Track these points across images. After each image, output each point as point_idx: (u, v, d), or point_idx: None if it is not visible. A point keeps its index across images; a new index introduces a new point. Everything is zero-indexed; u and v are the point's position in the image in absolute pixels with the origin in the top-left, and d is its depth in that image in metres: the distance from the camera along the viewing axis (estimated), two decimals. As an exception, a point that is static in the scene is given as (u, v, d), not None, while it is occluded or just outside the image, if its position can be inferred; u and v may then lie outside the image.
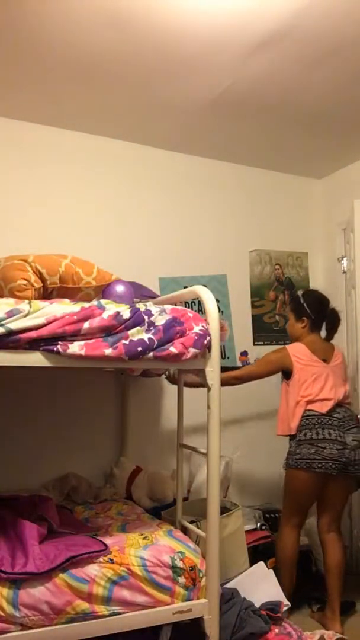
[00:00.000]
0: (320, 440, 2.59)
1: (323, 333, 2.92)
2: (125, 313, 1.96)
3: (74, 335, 1.88)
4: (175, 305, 2.30)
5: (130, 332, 1.95)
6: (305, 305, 2.84)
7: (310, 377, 2.70)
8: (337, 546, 2.70)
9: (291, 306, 2.94)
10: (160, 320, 2.02)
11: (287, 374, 2.77)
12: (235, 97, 2.77)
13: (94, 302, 1.98)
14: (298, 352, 2.76)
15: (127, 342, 1.93)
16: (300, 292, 2.97)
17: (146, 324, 1.99)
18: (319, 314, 2.85)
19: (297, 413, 2.69)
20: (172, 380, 3.00)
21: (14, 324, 1.80)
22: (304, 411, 2.68)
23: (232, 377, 2.74)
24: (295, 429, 2.68)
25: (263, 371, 2.80)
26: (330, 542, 2.71)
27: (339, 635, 2.40)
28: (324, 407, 2.66)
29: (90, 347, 1.88)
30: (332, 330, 2.90)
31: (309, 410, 2.67)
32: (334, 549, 2.69)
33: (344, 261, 3.56)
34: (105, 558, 1.93)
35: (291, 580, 2.67)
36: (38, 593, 1.79)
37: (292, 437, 2.72)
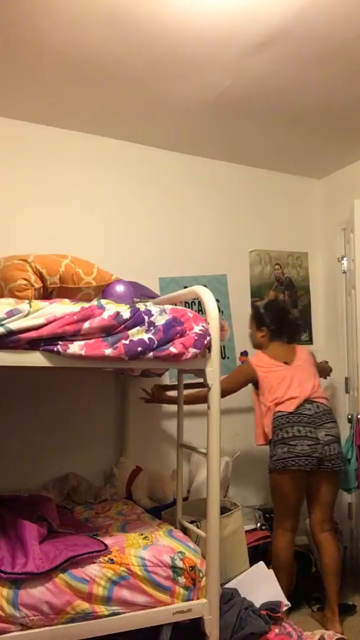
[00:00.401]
0: (290, 439, 2.62)
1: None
2: (125, 313, 1.96)
3: (74, 335, 1.88)
4: (175, 305, 2.30)
5: (130, 332, 1.95)
6: (264, 315, 2.94)
7: (275, 381, 2.76)
8: (331, 546, 2.69)
9: (252, 316, 3.03)
10: (160, 320, 2.02)
11: (256, 384, 2.84)
12: (235, 97, 2.77)
13: (94, 302, 1.99)
14: (260, 362, 2.85)
15: (127, 342, 1.93)
16: (261, 303, 3.13)
17: (146, 324, 1.99)
18: (279, 323, 2.93)
19: (268, 417, 2.74)
20: (151, 399, 2.97)
21: (14, 324, 1.80)
22: (273, 414, 2.72)
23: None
24: (270, 433, 2.72)
25: (232, 387, 2.83)
26: (324, 542, 2.70)
27: (339, 635, 2.40)
28: (291, 406, 2.69)
29: (90, 347, 1.88)
30: (292, 340, 2.98)
31: (278, 411, 2.72)
32: (329, 549, 2.69)
33: (344, 261, 3.56)
34: (105, 558, 1.93)
35: (289, 584, 2.66)
36: (38, 593, 1.79)
37: (269, 442, 2.75)
